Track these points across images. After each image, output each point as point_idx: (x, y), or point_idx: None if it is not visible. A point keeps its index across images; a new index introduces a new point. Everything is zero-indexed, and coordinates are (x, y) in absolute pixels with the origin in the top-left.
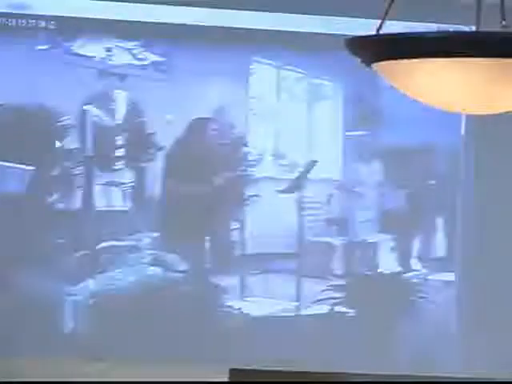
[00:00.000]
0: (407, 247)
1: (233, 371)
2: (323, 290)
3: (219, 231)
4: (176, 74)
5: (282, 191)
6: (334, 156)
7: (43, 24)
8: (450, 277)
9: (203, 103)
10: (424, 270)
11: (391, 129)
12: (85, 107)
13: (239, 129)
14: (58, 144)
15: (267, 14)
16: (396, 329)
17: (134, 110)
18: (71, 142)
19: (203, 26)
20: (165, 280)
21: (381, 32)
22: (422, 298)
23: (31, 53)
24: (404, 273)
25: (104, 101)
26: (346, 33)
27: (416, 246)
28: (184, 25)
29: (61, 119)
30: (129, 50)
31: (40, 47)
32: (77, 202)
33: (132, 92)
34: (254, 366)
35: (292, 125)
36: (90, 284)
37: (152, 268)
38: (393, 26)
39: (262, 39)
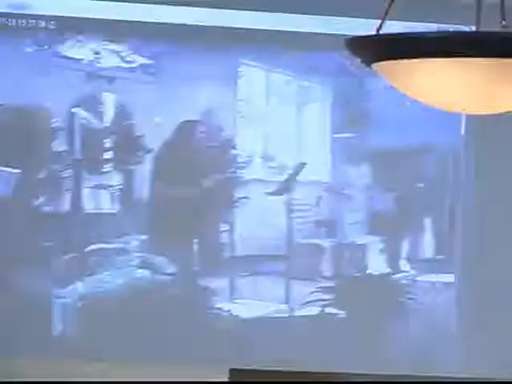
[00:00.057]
0: (396, 249)
1: (233, 371)
2: (312, 292)
3: (208, 233)
4: (164, 76)
5: (271, 193)
6: (323, 158)
7: (43, 24)
8: (448, 278)
9: (192, 106)
10: (413, 271)
11: (379, 131)
12: (73, 110)
13: (228, 131)
14: (45, 146)
15: (267, 14)
16: (396, 329)
17: (122, 112)
18: (59, 145)
19: (192, 27)
20: (153, 282)
21: (381, 32)
22: (410, 299)
23: (19, 54)
24: (393, 274)
25: (92, 103)
26: (346, 33)
27: (405, 247)
28: (174, 26)
29: (49, 121)
30: (117, 52)
31: (28, 49)
32: (65, 205)
33: (120, 94)
34: (254, 366)
35: (281, 127)
36: (79, 286)
37: (141, 270)
38: (393, 26)
39: (249, 40)
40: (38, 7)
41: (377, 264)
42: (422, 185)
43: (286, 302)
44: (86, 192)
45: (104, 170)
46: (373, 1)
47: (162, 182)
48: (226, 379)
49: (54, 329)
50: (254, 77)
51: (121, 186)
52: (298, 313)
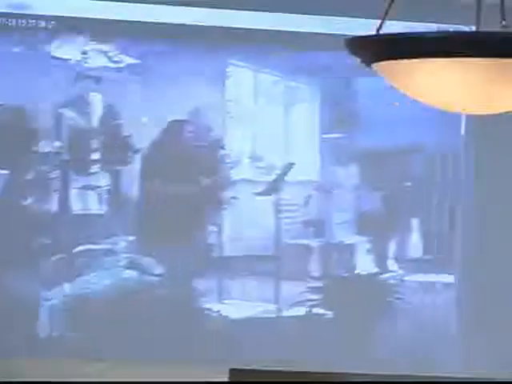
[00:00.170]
0: (385, 248)
1: (233, 371)
2: (301, 292)
3: (196, 234)
4: (152, 76)
5: (260, 194)
6: (311, 158)
7: (43, 24)
8: (445, 278)
9: (180, 106)
10: (400, 271)
11: (368, 131)
12: (60, 110)
13: (216, 131)
14: (33, 147)
15: (267, 14)
16: (395, 328)
17: (110, 112)
18: (47, 145)
19: (180, 27)
20: (141, 283)
21: (381, 32)
22: (399, 298)
23: (4, 54)
24: (381, 273)
25: (80, 103)
26: (346, 33)
27: (394, 247)
28: (160, 25)
29: (36, 122)
30: (104, 52)
31: (15, 49)
32: (53, 206)
33: (108, 94)
34: (254, 366)
35: (269, 127)
36: (67, 288)
37: (129, 271)
38: (393, 26)
39: (237, 40)
40: (37, 7)
41: (365, 264)
42: (409, 184)
43: (275, 303)
44: (73, 193)
45: (91, 170)
46: (373, 1)
47: (149, 183)
48: (226, 379)
49: (40, 330)
50: (242, 77)
51: (108, 187)
52: (286, 313)
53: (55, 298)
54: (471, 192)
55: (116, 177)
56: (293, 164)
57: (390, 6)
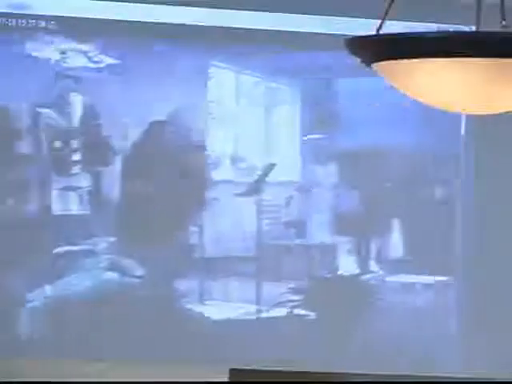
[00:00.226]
0: (367, 249)
1: (233, 371)
2: (283, 293)
3: (177, 235)
4: (133, 76)
5: (241, 194)
6: (293, 159)
7: (43, 24)
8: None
9: (161, 106)
10: (381, 272)
11: (349, 132)
12: (40, 110)
13: (197, 132)
14: (12, 148)
15: (267, 13)
16: (395, 328)
17: (90, 112)
18: (26, 146)
19: (162, 26)
20: (122, 285)
21: (381, 32)
22: (380, 299)
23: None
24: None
25: (60, 103)
26: (346, 33)
27: (375, 247)
28: (141, 24)
29: (15, 122)
30: (84, 52)
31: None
32: (33, 207)
33: (88, 95)
34: (254, 366)
35: (250, 128)
36: (47, 289)
37: (109, 273)
38: (393, 26)
39: (219, 40)
40: (37, 7)
41: (347, 264)
42: (389, 184)
43: (257, 303)
44: (54, 194)
45: (72, 171)
46: (373, 1)
47: (130, 184)
48: (226, 379)
49: (21, 332)
50: (223, 78)
51: (89, 188)
52: (268, 314)
53: (36, 299)
54: (471, 192)
55: (97, 177)
56: (274, 165)
57: (390, 5)
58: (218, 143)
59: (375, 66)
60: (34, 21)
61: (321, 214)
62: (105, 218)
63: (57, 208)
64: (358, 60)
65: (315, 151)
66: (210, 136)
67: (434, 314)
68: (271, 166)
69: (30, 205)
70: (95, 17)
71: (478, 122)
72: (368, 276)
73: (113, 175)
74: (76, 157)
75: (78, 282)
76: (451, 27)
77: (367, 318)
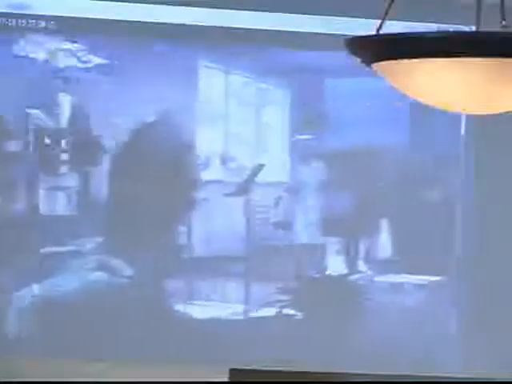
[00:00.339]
0: (355, 249)
1: (233, 371)
2: (272, 293)
3: (166, 235)
4: (123, 76)
5: (230, 194)
6: (282, 159)
7: (43, 24)
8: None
9: (150, 106)
10: (369, 272)
11: (338, 132)
12: (28, 110)
13: (186, 132)
14: (1, 147)
15: (267, 13)
16: (395, 329)
17: (79, 112)
18: (15, 146)
19: (153, 26)
20: (111, 285)
21: (381, 32)
22: (368, 299)
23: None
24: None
25: (48, 103)
26: (346, 33)
27: (364, 248)
28: (132, 24)
29: (3, 122)
30: (73, 52)
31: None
32: (21, 207)
33: (77, 94)
34: (254, 366)
35: (240, 128)
36: (35, 289)
37: (98, 273)
38: (393, 26)
39: (209, 40)
40: (37, 7)
41: (336, 265)
42: (381, 184)
43: (245, 303)
44: (41, 193)
45: (60, 171)
46: (373, 1)
47: (119, 184)
48: (226, 379)
49: (9, 331)
50: (213, 78)
51: (77, 188)
52: (256, 314)
53: (23, 299)
54: (471, 192)
55: (85, 177)
56: (263, 165)
57: (390, 5)
58: (208, 143)
59: (375, 66)
60: (34, 21)
61: (310, 214)
62: (93, 218)
63: (45, 208)
64: (358, 60)
65: (305, 151)
66: (200, 136)
67: (434, 314)
68: (260, 167)
69: (18, 204)
70: (95, 17)
71: (478, 122)
72: (367, 276)
73: (101, 175)
74: (64, 157)
75: (65, 283)
76: (451, 27)
77: (363, 319)
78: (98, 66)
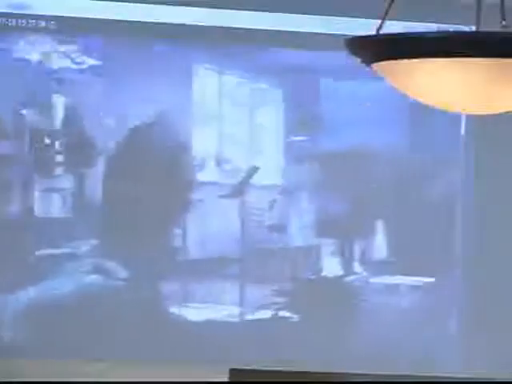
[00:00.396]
0: (351, 251)
1: (233, 371)
2: (267, 295)
3: (161, 236)
4: (121, 76)
5: (225, 196)
6: (277, 161)
7: (43, 24)
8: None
9: (145, 107)
10: (365, 273)
11: (332, 133)
12: (23, 111)
13: (181, 133)
14: None
15: (267, 13)
16: (394, 328)
17: (74, 114)
18: (9, 147)
19: (147, 26)
20: (106, 287)
21: (381, 32)
22: (362, 300)
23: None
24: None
25: (43, 105)
26: (346, 33)
27: (359, 249)
28: (126, 24)
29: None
30: (72, 52)
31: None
32: (15, 209)
33: (72, 95)
34: (254, 366)
35: (235, 130)
36: (30, 291)
37: (93, 275)
38: (393, 26)
39: (204, 40)
40: (37, 7)
41: (332, 266)
42: (377, 185)
43: (240, 306)
44: (36, 195)
45: (55, 173)
46: (373, 1)
47: (114, 185)
48: (226, 379)
49: (4, 335)
50: (208, 79)
51: (72, 189)
52: (252, 316)
53: (18, 301)
54: (471, 192)
55: (80, 179)
56: (258, 167)
57: (390, 5)
58: (203, 145)
59: (375, 66)
60: (33, 21)
61: (306, 215)
62: (88, 220)
63: (39, 210)
64: (358, 60)
65: (300, 153)
66: (195, 137)
67: (434, 314)
68: (255, 168)
69: (13, 206)
70: (95, 17)
71: (478, 122)
72: (363, 278)
73: (96, 177)
74: (59, 158)
75: (61, 285)
76: (451, 27)
77: (361, 320)
78: (96, 66)
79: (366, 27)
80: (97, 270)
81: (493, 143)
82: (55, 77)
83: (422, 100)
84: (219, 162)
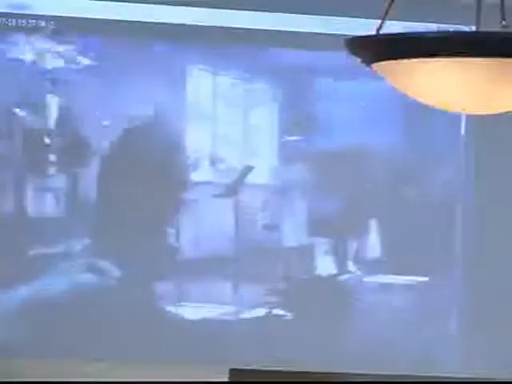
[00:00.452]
0: (344, 250)
1: (233, 371)
2: (262, 294)
3: (155, 236)
4: (114, 77)
5: (219, 196)
6: (271, 160)
7: (43, 24)
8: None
9: (139, 107)
10: (359, 272)
11: (327, 133)
12: (16, 110)
13: (176, 133)
14: None
15: (266, 13)
16: (393, 328)
17: (68, 114)
18: (3, 147)
19: (142, 26)
20: (100, 287)
21: (381, 32)
22: (358, 299)
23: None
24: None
25: (37, 104)
26: (346, 33)
27: (353, 248)
28: (122, 23)
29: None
30: (61, 52)
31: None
32: (8, 208)
33: (66, 95)
34: (254, 366)
35: (229, 129)
36: (23, 291)
37: (87, 275)
38: (393, 26)
39: (198, 40)
40: (38, 7)
41: (327, 265)
42: (369, 185)
43: (235, 305)
44: (30, 195)
45: (49, 172)
46: (373, 1)
47: (108, 185)
48: (226, 379)
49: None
50: (202, 79)
51: (66, 189)
52: (246, 315)
53: (10, 301)
54: (471, 192)
55: (74, 179)
56: (252, 167)
57: (390, 5)
58: (197, 144)
59: (375, 66)
60: (34, 21)
61: (301, 215)
62: (82, 220)
63: (33, 209)
64: (358, 60)
65: (294, 152)
66: (189, 137)
67: (435, 314)
68: (250, 168)
69: (6, 206)
70: (95, 17)
71: (478, 122)
72: (357, 277)
73: (90, 176)
74: (53, 158)
75: (55, 285)
76: (451, 27)
77: (357, 319)
78: (93, 66)
79: (366, 27)
80: (91, 269)
81: (493, 143)
82: (53, 77)
83: (421, 100)
84: (213, 162)
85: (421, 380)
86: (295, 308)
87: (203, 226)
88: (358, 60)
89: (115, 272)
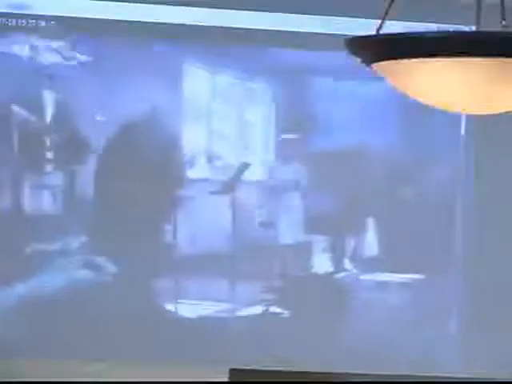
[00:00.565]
0: (342, 248)
1: (233, 371)
2: (258, 292)
3: (152, 233)
4: (111, 76)
5: (216, 193)
6: (268, 158)
7: (43, 24)
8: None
9: (136, 105)
10: (355, 271)
11: (325, 132)
12: (13, 107)
13: (172, 130)
14: None
15: (266, 13)
16: (393, 328)
17: (64, 111)
18: None
19: (139, 25)
20: (97, 284)
21: (381, 32)
22: (354, 297)
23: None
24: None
25: (34, 101)
26: (346, 33)
27: (350, 247)
28: (118, 22)
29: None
30: (57, 49)
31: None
32: (5, 205)
33: (63, 92)
34: (254, 366)
35: (226, 127)
36: (20, 288)
37: (84, 272)
38: (393, 26)
39: (195, 38)
40: (38, 7)
41: (324, 264)
42: (368, 184)
43: (232, 302)
44: (27, 192)
45: (46, 169)
46: (373, 1)
47: (105, 182)
48: (226, 379)
49: None
50: (199, 76)
51: (63, 186)
52: (243, 313)
53: (8, 298)
54: (471, 192)
55: (71, 176)
56: (249, 164)
57: (390, 5)
58: (194, 141)
59: (375, 66)
60: (34, 21)
61: (296, 213)
62: (79, 217)
63: (30, 206)
64: (358, 60)
65: (292, 151)
66: (186, 134)
67: (435, 314)
68: (246, 165)
69: (3, 203)
70: (95, 17)
71: (478, 122)
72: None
73: (87, 173)
74: (50, 155)
75: (52, 282)
76: (451, 27)
77: (355, 318)
78: (91, 65)
79: (365, 27)
80: (87, 266)
81: (493, 143)
82: (52, 75)
83: (422, 100)
84: (210, 159)
85: (421, 380)
86: (292, 306)
87: (200, 223)
88: (358, 60)
89: (112, 269)
